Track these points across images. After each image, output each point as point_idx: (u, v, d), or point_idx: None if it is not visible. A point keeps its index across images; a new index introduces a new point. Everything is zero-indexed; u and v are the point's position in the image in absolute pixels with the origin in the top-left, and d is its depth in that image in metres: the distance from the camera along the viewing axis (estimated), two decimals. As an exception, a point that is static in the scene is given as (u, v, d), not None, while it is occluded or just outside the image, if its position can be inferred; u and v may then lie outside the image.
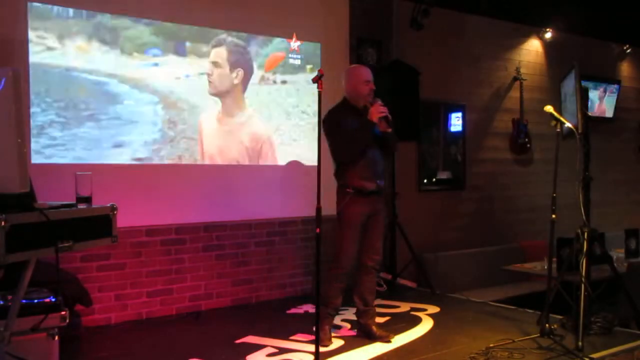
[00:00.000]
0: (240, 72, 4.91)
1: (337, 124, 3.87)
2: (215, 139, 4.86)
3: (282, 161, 5.35)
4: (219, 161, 4.91)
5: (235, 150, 4.91)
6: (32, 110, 4.16)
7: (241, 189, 5.17)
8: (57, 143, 4.29)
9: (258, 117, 4.98)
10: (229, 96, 4.90)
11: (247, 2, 5.22)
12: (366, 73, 4.00)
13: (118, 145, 4.52)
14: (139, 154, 4.63)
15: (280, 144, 5.36)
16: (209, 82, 4.85)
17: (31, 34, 4.20)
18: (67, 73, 4.34)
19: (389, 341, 3.92)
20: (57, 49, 4.30)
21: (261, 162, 5.03)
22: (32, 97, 4.17)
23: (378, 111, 3.79)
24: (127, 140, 4.57)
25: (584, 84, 4.25)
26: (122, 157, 4.55)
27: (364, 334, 4.03)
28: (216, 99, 4.91)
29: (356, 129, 3.82)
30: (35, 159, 4.17)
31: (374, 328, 4.01)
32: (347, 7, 5.84)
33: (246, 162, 4.90)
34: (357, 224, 3.89)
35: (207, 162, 4.84)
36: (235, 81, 4.88)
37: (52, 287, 3.14)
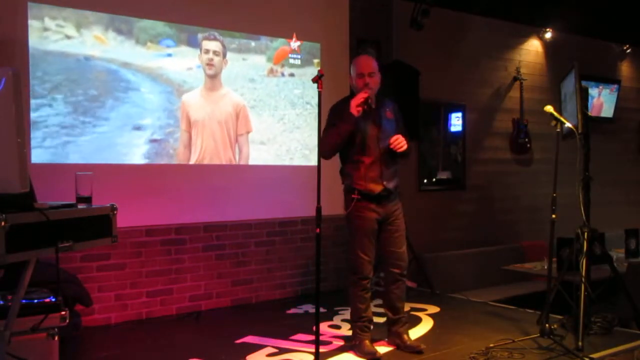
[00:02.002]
0: (226, 59, 5.21)
1: (336, 115, 3.68)
2: (204, 107, 5.09)
3: (269, 136, 5.47)
4: (209, 123, 5.09)
5: (222, 114, 5.17)
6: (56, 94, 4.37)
7: (241, 189, 5.17)
8: (76, 126, 4.46)
9: (232, 91, 5.27)
10: (217, 77, 5.18)
11: (247, 2, 5.23)
12: (362, 65, 3.71)
13: (137, 128, 4.71)
14: (156, 135, 4.79)
15: (284, 131, 5.49)
16: (211, 65, 5.14)
17: (50, 23, 4.30)
18: (85, 62, 4.48)
19: (421, 351, 3.70)
20: (75, 38, 4.44)
21: (240, 122, 5.28)
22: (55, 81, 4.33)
23: (356, 102, 3.52)
24: (144, 123, 4.74)
25: (584, 84, 4.25)
26: (141, 139, 4.73)
27: (394, 343, 3.83)
28: (205, 78, 5.13)
29: (338, 123, 3.59)
30: (57, 143, 4.24)
31: (405, 337, 3.81)
32: (346, 7, 5.85)
33: (230, 125, 5.22)
34: (368, 231, 3.68)
35: (198, 128, 5.03)
36: (223, 65, 5.20)
37: (52, 287, 3.13)
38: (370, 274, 3.74)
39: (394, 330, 3.86)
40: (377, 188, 3.69)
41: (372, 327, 3.82)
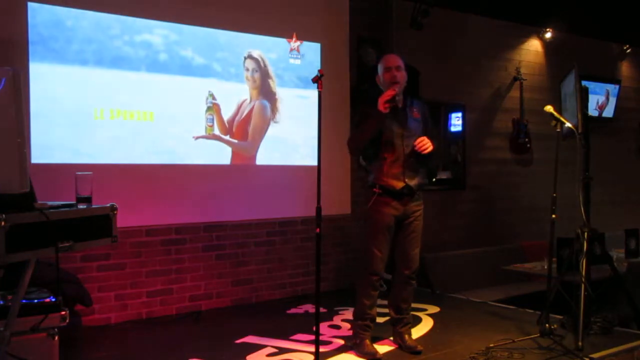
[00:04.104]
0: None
1: (362, 114, 3.70)
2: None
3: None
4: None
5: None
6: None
7: (241, 189, 5.17)
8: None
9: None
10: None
11: (247, 2, 5.23)
12: (389, 60, 3.76)
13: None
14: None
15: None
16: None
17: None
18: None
19: (419, 352, 3.73)
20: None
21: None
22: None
23: (383, 99, 3.53)
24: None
25: (584, 84, 4.25)
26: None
27: (396, 342, 3.87)
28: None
29: (367, 119, 3.62)
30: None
31: (406, 337, 3.82)
32: (347, 7, 5.85)
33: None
34: (384, 227, 3.67)
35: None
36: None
37: (52, 287, 3.14)
38: (380, 270, 3.73)
39: (396, 330, 3.87)
40: (399, 184, 3.68)
41: (373, 326, 3.82)
